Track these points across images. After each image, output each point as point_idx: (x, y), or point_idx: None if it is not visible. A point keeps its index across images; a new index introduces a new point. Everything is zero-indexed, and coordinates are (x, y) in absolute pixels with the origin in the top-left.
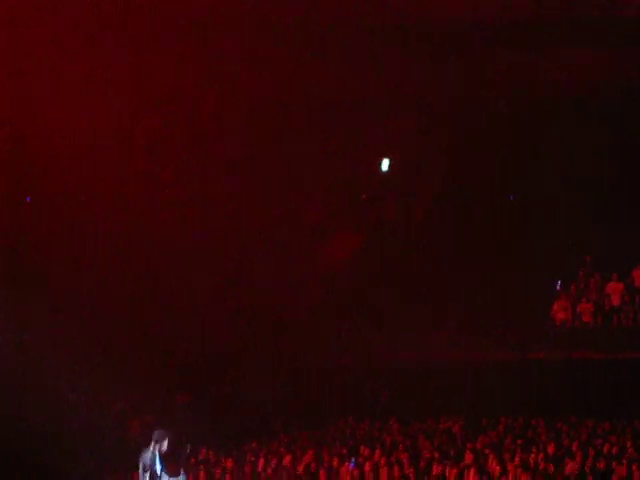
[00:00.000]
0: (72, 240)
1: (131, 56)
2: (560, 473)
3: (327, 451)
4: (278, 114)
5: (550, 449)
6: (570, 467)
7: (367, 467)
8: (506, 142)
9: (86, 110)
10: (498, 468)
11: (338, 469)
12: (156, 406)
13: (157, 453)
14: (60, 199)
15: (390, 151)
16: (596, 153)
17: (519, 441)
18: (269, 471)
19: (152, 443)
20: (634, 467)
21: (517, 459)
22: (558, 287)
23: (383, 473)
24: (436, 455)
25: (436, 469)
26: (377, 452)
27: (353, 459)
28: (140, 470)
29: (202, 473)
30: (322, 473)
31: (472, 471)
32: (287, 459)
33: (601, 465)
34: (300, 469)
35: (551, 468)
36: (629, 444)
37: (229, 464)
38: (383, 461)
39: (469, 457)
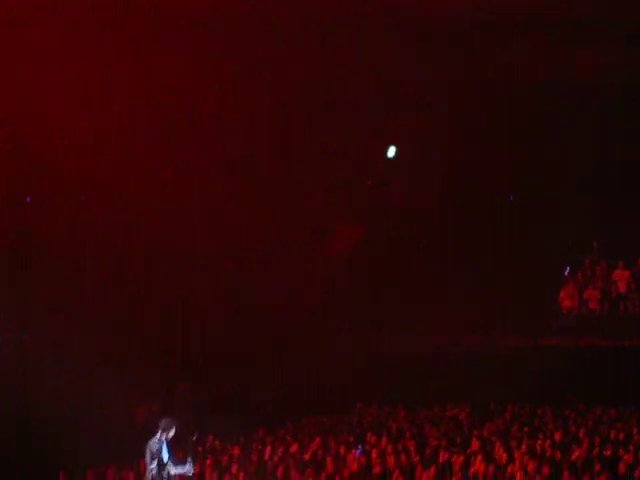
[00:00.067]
0: (73, 237)
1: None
2: (567, 460)
3: (334, 439)
4: (280, 104)
5: (557, 436)
6: (577, 454)
7: (374, 454)
8: (510, 128)
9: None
10: (505, 455)
11: (345, 456)
12: (160, 394)
13: (164, 441)
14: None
15: (396, 138)
16: (601, 140)
17: (526, 428)
18: (276, 459)
19: (159, 431)
20: None
21: (524, 446)
22: (566, 273)
23: (390, 460)
24: (443, 442)
25: (442, 456)
26: (384, 439)
27: (360, 446)
28: (147, 458)
29: (209, 461)
30: (329, 460)
31: (479, 458)
32: (294, 447)
33: (608, 452)
34: (307, 457)
35: (558, 455)
36: (635, 431)
37: (236, 452)
38: (390, 448)
39: (476, 444)
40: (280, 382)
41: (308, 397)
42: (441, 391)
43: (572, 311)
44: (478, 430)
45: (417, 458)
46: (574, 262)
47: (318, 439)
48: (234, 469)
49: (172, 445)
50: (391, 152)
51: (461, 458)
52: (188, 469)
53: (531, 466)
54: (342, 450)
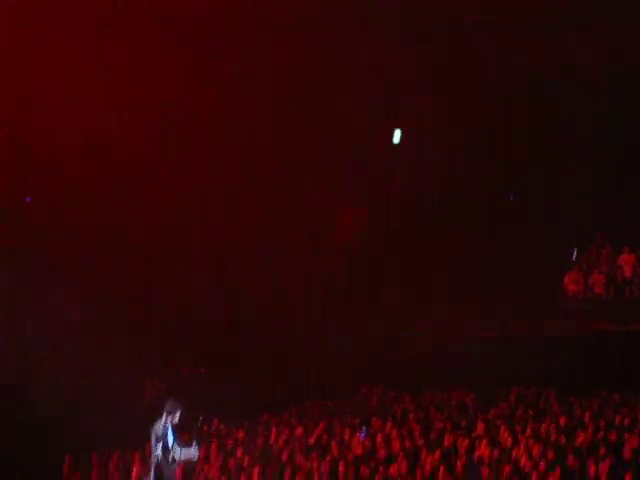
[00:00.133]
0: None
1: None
2: (572, 444)
3: (339, 422)
4: (285, 93)
5: (562, 420)
6: (582, 438)
7: (379, 438)
8: (516, 115)
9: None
10: (510, 439)
11: (350, 441)
12: (166, 377)
13: (169, 425)
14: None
15: (402, 123)
16: (608, 123)
17: (531, 412)
18: (281, 443)
19: (164, 415)
20: None
21: (529, 430)
22: (573, 257)
23: (395, 445)
24: (447, 426)
25: (447, 440)
26: (388, 424)
27: (364, 428)
28: (152, 441)
29: (214, 445)
30: (334, 445)
31: (484, 442)
32: (299, 431)
33: (613, 436)
34: (311, 441)
35: (563, 439)
36: None
37: (241, 436)
38: (395, 433)
39: (481, 428)
40: (285, 366)
41: (312, 381)
42: (447, 376)
43: (577, 296)
44: (483, 414)
45: (422, 442)
46: (579, 245)
47: (323, 423)
48: (239, 453)
49: (177, 429)
50: (396, 137)
51: (466, 442)
52: (193, 453)
53: (536, 450)
54: (347, 434)
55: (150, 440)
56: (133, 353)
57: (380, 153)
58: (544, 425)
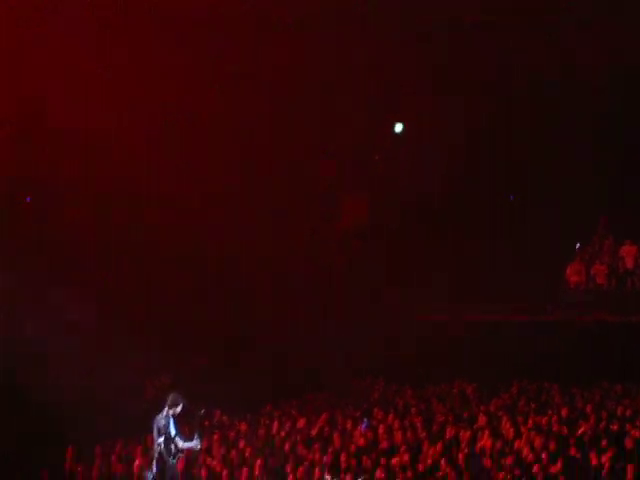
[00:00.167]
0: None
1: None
2: (573, 435)
3: (341, 414)
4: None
5: (564, 411)
6: (584, 429)
7: (381, 430)
8: (519, 108)
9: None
10: (512, 430)
11: (352, 432)
12: (171, 369)
13: (171, 416)
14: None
15: (404, 115)
16: (607, 122)
17: (533, 404)
18: (283, 434)
19: (166, 406)
20: None
21: (530, 422)
22: (577, 248)
23: (397, 436)
24: (449, 418)
25: (449, 432)
26: (390, 415)
27: (365, 419)
28: (155, 433)
29: (216, 437)
30: (336, 436)
31: (486, 433)
32: (301, 422)
33: (615, 427)
34: (314, 432)
35: (565, 430)
36: None
37: (243, 427)
38: (397, 424)
39: (482, 420)
40: (287, 357)
41: (312, 373)
42: (449, 367)
43: (579, 286)
44: (485, 405)
45: (424, 434)
46: (581, 236)
47: (325, 415)
48: (241, 444)
49: (179, 420)
50: (398, 128)
51: (468, 433)
52: (195, 444)
53: (538, 441)
54: (349, 425)
55: (152, 432)
56: (134, 352)
57: (382, 145)
58: (546, 416)
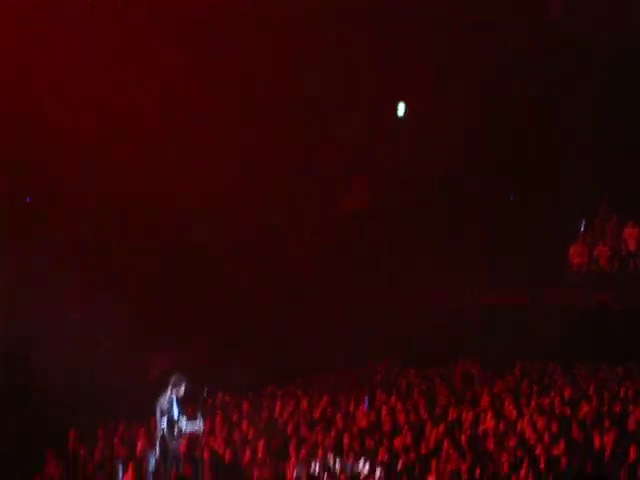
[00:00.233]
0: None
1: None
2: (576, 416)
3: (344, 395)
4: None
5: (566, 393)
6: (586, 409)
7: (384, 411)
8: (523, 86)
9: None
10: (514, 412)
11: (354, 413)
12: (173, 350)
13: (174, 398)
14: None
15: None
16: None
17: (535, 386)
18: (286, 415)
19: (169, 387)
20: None
21: (533, 403)
22: (582, 227)
23: (400, 418)
24: (452, 399)
25: (452, 413)
26: (393, 397)
27: (366, 398)
28: (157, 415)
29: (219, 417)
30: (339, 417)
31: (488, 415)
32: (304, 403)
33: (617, 408)
34: (317, 413)
35: (567, 411)
36: None
37: (246, 408)
38: (399, 406)
39: (485, 401)
40: (291, 338)
41: (317, 353)
42: (451, 348)
43: (582, 267)
44: (488, 387)
45: (426, 415)
46: (584, 216)
47: (327, 396)
48: (244, 426)
49: (182, 401)
50: (401, 110)
51: (470, 415)
52: (198, 425)
53: (541, 423)
54: (352, 407)
55: (155, 413)
56: (135, 334)
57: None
58: (548, 398)
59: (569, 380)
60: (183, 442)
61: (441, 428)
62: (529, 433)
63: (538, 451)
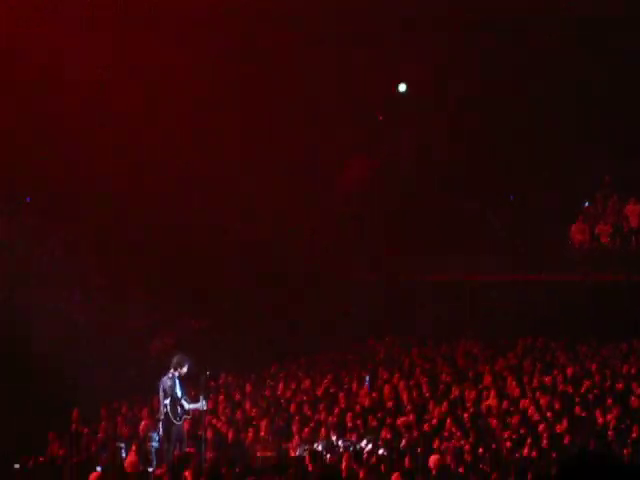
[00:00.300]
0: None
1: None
2: (578, 394)
3: (346, 374)
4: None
5: (569, 371)
6: (587, 385)
7: (386, 390)
8: (523, 64)
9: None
10: (517, 390)
11: (357, 392)
12: (174, 330)
13: (177, 378)
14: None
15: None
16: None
17: (538, 364)
18: (288, 395)
19: (172, 368)
20: None
21: (536, 381)
22: (586, 206)
23: (403, 396)
24: (455, 377)
25: (455, 391)
26: (396, 375)
27: (367, 377)
28: (160, 395)
29: (222, 397)
30: (341, 396)
31: (491, 393)
32: (306, 383)
33: (619, 385)
34: (319, 392)
35: (570, 389)
36: None
37: (248, 388)
38: (402, 384)
39: (488, 379)
40: (291, 317)
41: (319, 332)
42: (453, 326)
43: (583, 245)
44: (490, 365)
45: (429, 394)
46: (586, 195)
47: (330, 375)
48: (247, 405)
49: (185, 381)
50: (402, 88)
51: (473, 393)
52: (201, 405)
53: (543, 401)
54: (354, 386)
55: (158, 393)
56: (137, 313)
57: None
58: (551, 376)
59: (572, 358)
60: (186, 421)
61: (444, 406)
62: (532, 411)
63: (541, 429)
